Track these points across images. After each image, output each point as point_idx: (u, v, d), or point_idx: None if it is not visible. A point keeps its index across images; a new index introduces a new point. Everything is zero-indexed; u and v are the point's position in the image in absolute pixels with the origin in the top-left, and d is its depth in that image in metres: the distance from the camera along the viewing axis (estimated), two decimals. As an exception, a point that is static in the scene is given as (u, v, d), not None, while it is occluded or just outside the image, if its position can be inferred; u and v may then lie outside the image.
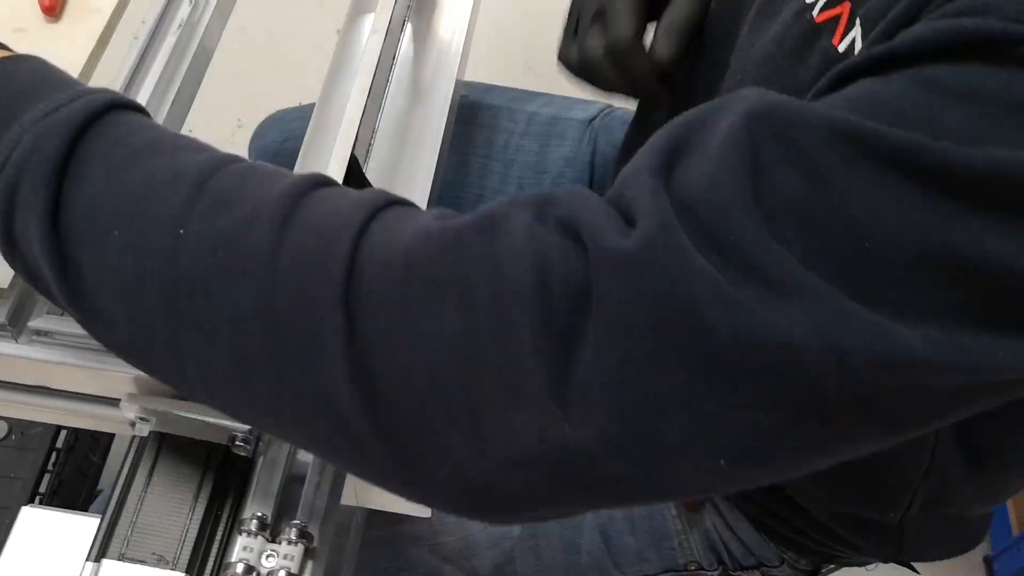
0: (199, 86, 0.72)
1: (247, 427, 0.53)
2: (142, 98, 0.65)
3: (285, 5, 1.90)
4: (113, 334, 0.46)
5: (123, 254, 0.42)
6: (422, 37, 0.85)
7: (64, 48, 0.66)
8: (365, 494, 0.60)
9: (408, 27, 0.82)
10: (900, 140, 0.36)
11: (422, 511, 0.61)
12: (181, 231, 0.41)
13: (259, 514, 0.51)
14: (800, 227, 0.36)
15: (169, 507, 0.51)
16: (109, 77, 0.65)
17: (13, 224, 0.44)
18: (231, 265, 0.40)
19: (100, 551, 0.49)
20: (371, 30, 0.68)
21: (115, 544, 0.50)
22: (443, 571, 0.78)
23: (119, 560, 0.49)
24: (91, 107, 0.45)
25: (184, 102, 0.69)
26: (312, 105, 0.72)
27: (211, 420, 0.53)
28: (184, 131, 0.68)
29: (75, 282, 0.44)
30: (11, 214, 0.44)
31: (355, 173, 0.64)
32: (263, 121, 1.06)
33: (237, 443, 0.52)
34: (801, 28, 0.52)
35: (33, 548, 0.54)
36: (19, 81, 0.47)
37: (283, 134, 1.01)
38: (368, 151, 0.75)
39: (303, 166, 0.76)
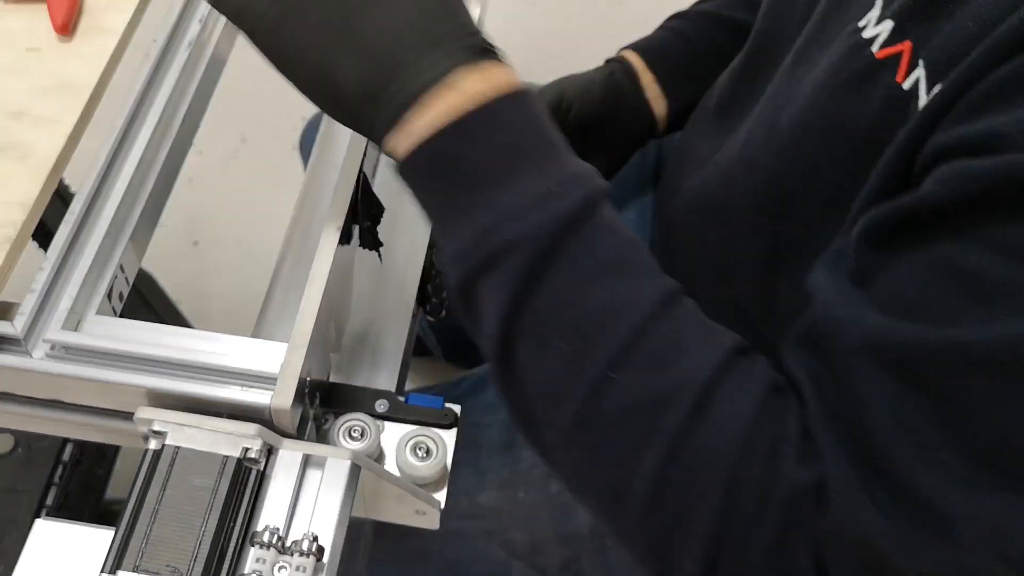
0: (208, 103, 0.73)
1: (259, 440, 0.53)
2: (153, 116, 0.66)
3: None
4: (519, 404, 0.51)
5: (559, 364, 0.48)
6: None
7: (77, 66, 0.67)
8: (374, 507, 0.61)
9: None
10: None
11: (431, 524, 0.62)
12: (612, 375, 0.46)
13: (272, 526, 0.51)
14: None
15: (182, 519, 0.52)
16: (121, 95, 0.66)
17: (479, 283, 0.47)
18: (641, 432, 0.47)
19: (115, 563, 0.50)
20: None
21: (129, 557, 0.51)
22: (512, 566, 0.79)
23: (133, 572, 0.50)
24: (586, 199, 0.47)
25: (194, 119, 0.70)
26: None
27: (224, 432, 0.54)
28: (192, 148, 0.69)
29: (510, 360, 0.49)
30: (483, 273, 0.47)
31: (364, 190, 0.64)
32: (310, 119, 1.06)
33: (250, 455, 0.53)
34: (860, 62, 0.54)
35: (47, 561, 0.54)
36: (517, 129, 0.47)
37: None
38: (375, 167, 0.76)
39: (311, 183, 0.77)
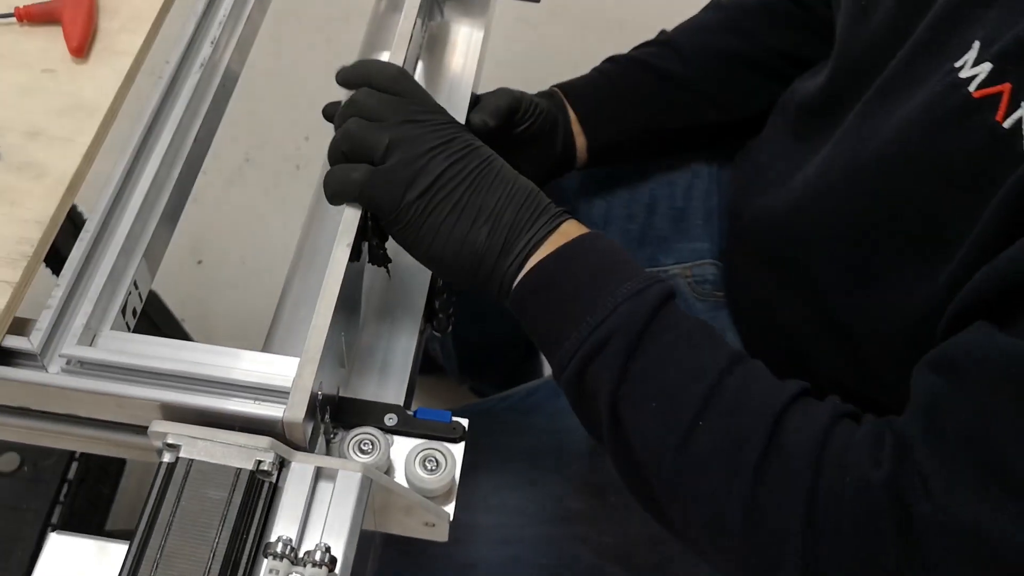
0: (219, 123, 0.74)
1: (272, 452, 0.54)
2: (167, 135, 0.67)
3: (290, 42, 1.93)
4: (627, 461, 0.61)
5: (655, 421, 0.58)
6: (433, 74, 0.88)
7: (91, 88, 0.68)
8: (383, 520, 0.62)
9: (420, 64, 0.84)
10: None
11: (440, 536, 0.63)
12: (698, 424, 0.56)
13: (284, 537, 0.52)
14: None
15: (196, 531, 0.53)
16: (134, 115, 0.67)
17: (589, 368, 0.59)
18: (728, 468, 0.56)
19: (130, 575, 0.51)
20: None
21: (144, 569, 0.51)
22: (604, 569, 0.81)
23: (155, 585, 0.50)
24: (661, 294, 0.60)
25: (205, 139, 0.72)
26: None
27: (237, 446, 0.54)
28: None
29: (618, 423, 0.59)
30: (591, 361, 0.59)
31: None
32: None
33: (262, 468, 0.54)
34: (957, 100, 0.57)
35: (61, 575, 0.55)
36: (596, 253, 0.62)
37: None
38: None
39: (314, 209, 0.78)
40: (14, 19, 0.70)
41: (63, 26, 0.70)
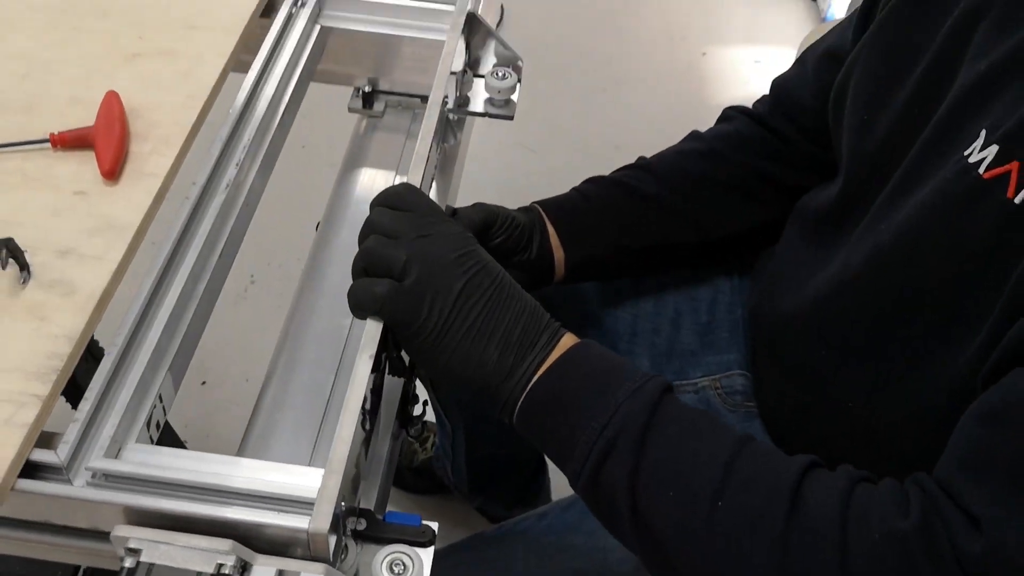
0: (242, 242, 0.76)
1: (234, 555, 0.55)
2: (192, 255, 0.69)
3: (295, 165, 1.98)
4: (653, 550, 0.62)
5: (676, 509, 0.59)
6: (443, 191, 0.91)
7: (121, 208, 0.70)
8: None
9: (434, 184, 0.88)
10: None
11: None
12: (717, 505, 0.58)
13: None
14: None
15: None
16: (162, 234, 0.70)
17: (603, 469, 0.61)
18: (755, 543, 0.57)
19: None
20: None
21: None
22: None
23: None
24: (658, 388, 0.63)
25: (229, 255, 0.74)
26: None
27: (199, 548, 0.55)
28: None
29: (639, 516, 0.61)
30: (604, 463, 0.61)
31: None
32: None
33: (223, 571, 0.54)
34: (968, 183, 0.61)
35: None
36: (593, 361, 0.65)
37: None
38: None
39: (289, 322, 0.80)
40: (48, 144, 0.73)
41: (96, 151, 0.72)
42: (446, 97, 0.84)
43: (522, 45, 2.60)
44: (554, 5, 2.55)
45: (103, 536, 0.58)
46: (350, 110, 0.98)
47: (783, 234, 0.91)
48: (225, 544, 0.55)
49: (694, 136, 0.97)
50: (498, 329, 0.64)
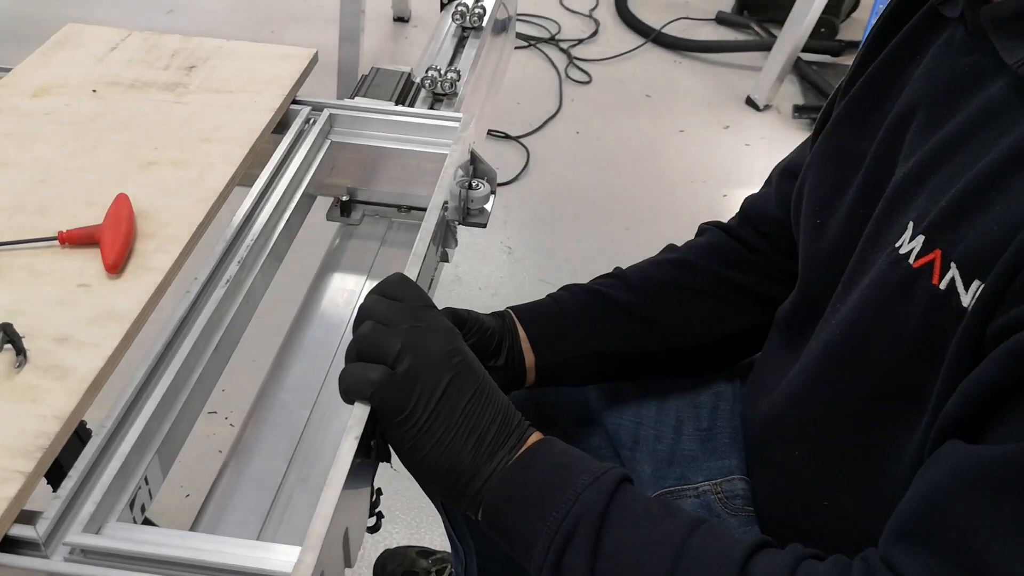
0: (240, 338, 0.78)
1: None
2: (188, 344, 0.71)
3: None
4: None
5: None
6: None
7: (121, 299, 0.72)
8: None
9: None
10: None
11: None
12: None
13: None
14: None
15: None
16: (160, 325, 0.71)
17: (563, 560, 0.63)
18: None
19: None
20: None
21: None
22: None
23: None
24: (616, 479, 0.65)
25: (225, 350, 0.75)
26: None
27: None
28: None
29: None
30: (564, 552, 0.63)
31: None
32: None
33: None
34: (900, 273, 0.64)
35: None
36: (555, 456, 0.67)
37: None
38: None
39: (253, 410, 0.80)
40: (57, 242, 0.76)
41: (101, 247, 0.75)
42: (446, 202, 0.86)
43: (547, 187, 2.69)
44: (578, 148, 2.63)
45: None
46: (328, 219, 1.01)
47: (765, 342, 0.92)
48: None
49: (669, 248, 1.00)
50: (477, 428, 0.66)
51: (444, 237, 0.89)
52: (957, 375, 0.58)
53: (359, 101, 0.99)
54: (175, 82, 0.98)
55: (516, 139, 2.63)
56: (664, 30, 3.12)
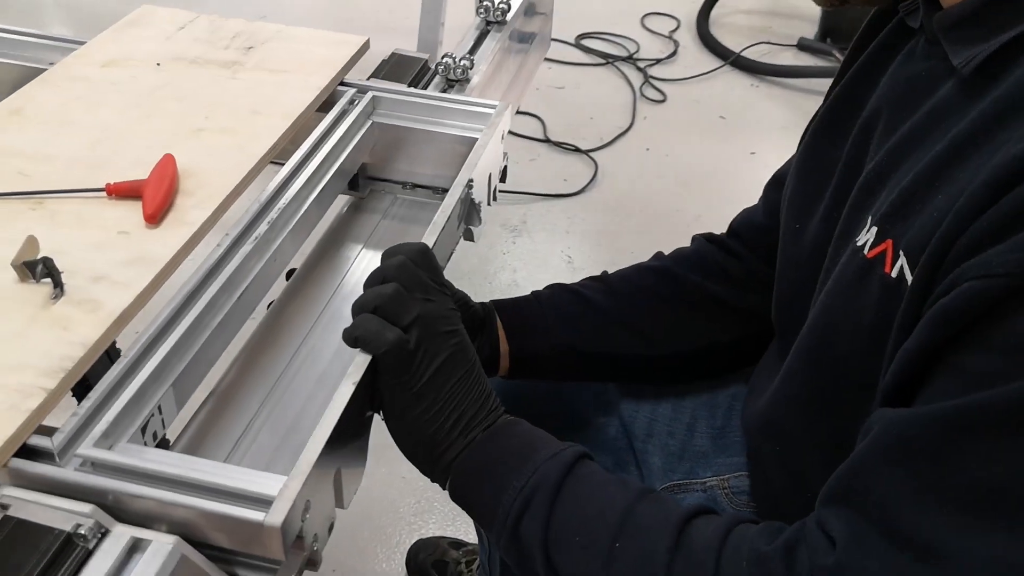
0: (265, 293, 0.83)
1: (93, 519, 0.59)
2: (212, 291, 0.76)
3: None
4: None
5: (580, 554, 0.66)
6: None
7: (156, 246, 0.78)
8: None
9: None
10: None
11: None
12: (616, 546, 0.65)
13: None
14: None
15: None
16: (188, 274, 0.77)
17: (520, 525, 0.68)
18: (647, 573, 0.63)
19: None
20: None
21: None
22: None
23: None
24: (575, 454, 0.70)
25: (248, 302, 0.80)
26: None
27: (61, 509, 0.59)
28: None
29: (551, 569, 0.67)
30: (521, 518, 0.68)
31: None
32: None
33: (79, 532, 0.58)
34: (856, 264, 0.67)
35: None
36: (521, 435, 0.72)
37: None
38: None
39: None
40: (104, 193, 0.82)
41: (143, 200, 0.81)
42: (471, 180, 0.90)
43: (612, 201, 2.69)
44: (647, 164, 2.65)
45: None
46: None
47: (760, 352, 0.95)
48: (86, 507, 0.59)
49: (656, 256, 1.02)
50: (460, 405, 0.71)
51: (468, 214, 0.92)
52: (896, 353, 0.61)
53: (397, 86, 1.04)
54: (233, 60, 1.05)
55: (585, 152, 2.67)
56: (744, 54, 3.13)
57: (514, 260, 2.33)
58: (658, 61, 3.13)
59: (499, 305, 0.94)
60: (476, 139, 0.96)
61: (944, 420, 0.55)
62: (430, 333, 0.70)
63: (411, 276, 0.72)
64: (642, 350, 0.96)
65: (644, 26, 3.35)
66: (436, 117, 1.01)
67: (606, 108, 2.90)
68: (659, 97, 2.96)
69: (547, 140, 2.72)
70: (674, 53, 3.20)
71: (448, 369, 0.70)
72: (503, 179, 1.04)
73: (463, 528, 1.74)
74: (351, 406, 0.67)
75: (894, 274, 0.63)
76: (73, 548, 0.58)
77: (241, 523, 0.60)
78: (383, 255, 0.75)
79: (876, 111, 0.73)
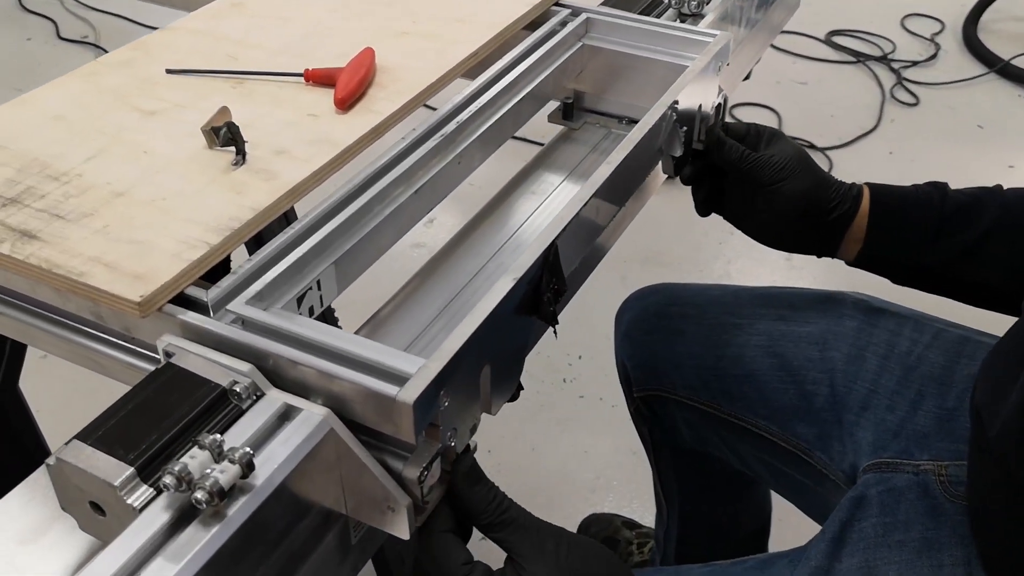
0: (445, 194, 0.80)
1: (249, 379, 0.57)
2: (385, 180, 0.73)
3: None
4: None
5: None
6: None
7: (341, 130, 0.77)
8: (347, 483, 0.59)
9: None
10: None
11: (400, 531, 0.60)
12: None
13: (220, 439, 0.51)
14: None
15: (149, 421, 0.54)
16: (372, 156, 0.75)
17: None
18: None
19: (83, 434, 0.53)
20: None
21: (89, 430, 0.53)
22: None
23: (90, 445, 0.52)
24: None
25: (427, 197, 0.77)
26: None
27: (221, 364, 0.58)
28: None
29: None
30: None
31: (553, 260, 0.66)
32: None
33: (235, 389, 0.56)
34: None
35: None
36: None
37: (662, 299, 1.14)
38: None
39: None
40: (302, 79, 0.82)
41: (336, 86, 0.80)
42: (676, 102, 0.83)
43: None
44: (889, 168, 2.47)
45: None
46: (549, 120, 1.02)
47: None
48: (245, 366, 0.58)
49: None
50: None
51: (670, 140, 0.86)
52: None
53: (614, 10, 0.99)
54: (451, -29, 1.03)
55: (821, 149, 2.52)
56: (1013, 62, 2.85)
57: (729, 251, 2.22)
58: (915, 63, 2.91)
59: (873, 187, 0.94)
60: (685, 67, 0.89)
61: None
62: None
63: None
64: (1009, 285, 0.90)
65: (904, 27, 3.13)
66: (653, 44, 0.95)
67: (850, 107, 2.72)
68: (911, 100, 2.75)
69: (780, 133, 2.59)
70: (934, 56, 2.96)
71: None
72: (723, 121, 0.96)
73: (639, 510, 1.66)
74: (506, 302, 0.62)
75: None
76: (226, 404, 0.57)
77: (376, 396, 0.56)
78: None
79: None
